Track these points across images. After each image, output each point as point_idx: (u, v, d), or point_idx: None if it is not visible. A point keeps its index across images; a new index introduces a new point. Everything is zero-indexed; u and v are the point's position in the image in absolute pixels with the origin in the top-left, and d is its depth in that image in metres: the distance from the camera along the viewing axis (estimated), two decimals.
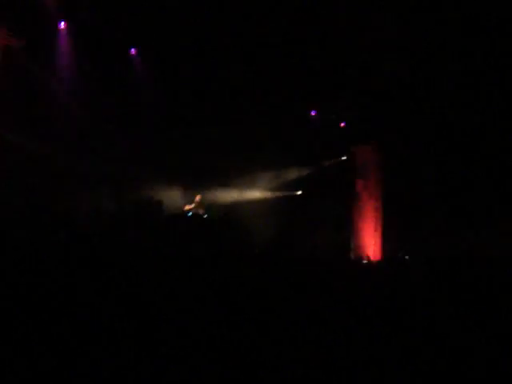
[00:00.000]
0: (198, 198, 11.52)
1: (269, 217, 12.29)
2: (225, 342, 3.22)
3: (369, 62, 10.50)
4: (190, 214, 10.97)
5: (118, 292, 3.90)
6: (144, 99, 11.64)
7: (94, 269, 4.42)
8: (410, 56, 10.10)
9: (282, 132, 12.35)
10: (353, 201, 12.68)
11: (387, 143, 12.02)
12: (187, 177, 12.57)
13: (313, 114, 12.76)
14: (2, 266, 4.16)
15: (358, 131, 12.41)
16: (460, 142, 11.04)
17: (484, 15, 9.06)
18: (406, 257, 10.01)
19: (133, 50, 11.25)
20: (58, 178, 10.73)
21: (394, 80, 10.61)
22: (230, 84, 11.46)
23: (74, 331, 3.14)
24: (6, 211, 9.00)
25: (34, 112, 10.28)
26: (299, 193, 13.50)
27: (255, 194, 13.23)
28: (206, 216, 11.11)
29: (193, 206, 11.33)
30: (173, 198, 11.90)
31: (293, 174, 13.37)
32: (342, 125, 12.70)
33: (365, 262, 11.09)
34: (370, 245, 12.20)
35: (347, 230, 12.56)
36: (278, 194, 13.35)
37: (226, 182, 12.91)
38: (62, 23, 10.36)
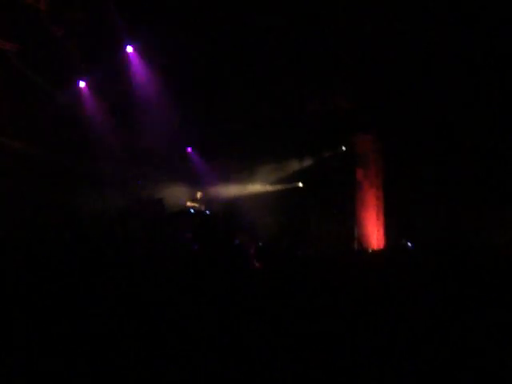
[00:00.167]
0: (199, 194, 11.57)
1: (271, 210, 12.32)
2: (227, 336, 3.23)
3: (368, 50, 10.43)
4: (193, 211, 11.01)
5: (119, 291, 3.92)
6: (144, 95, 11.64)
7: (94, 267, 4.45)
8: (408, 43, 10.02)
9: (281, 124, 12.33)
10: (354, 190, 12.67)
11: (387, 131, 11.99)
12: (189, 174, 12.63)
13: (311, 103, 12.71)
14: (5, 266, 4.19)
15: (357, 120, 12.38)
16: (461, 130, 11.00)
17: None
18: (409, 244, 10.03)
19: (129, 47, 11.20)
20: (59, 178, 10.79)
21: (393, 67, 10.55)
22: (228, 76, 11.41)
23: (73, 331, 3.16)
24: (7, 211, 9.10)
25: (29, 113, 10.35)
26: (300, 185, 13.50)
27: (256, 187, 13.25)
28: (208, 212, 11.15)
29: (195, 202, 11.38)
30: (176, 195, 11.96)
31: (293, 166, 13.37)
32: (341, 114, 12.66)
33: (369, 251, 11.11)
34: (373, 233, 12.21)
35: (350, 220, 12.56)
36: (279, 186, 13.35)
37: (226, 177, 12.93)
38: None
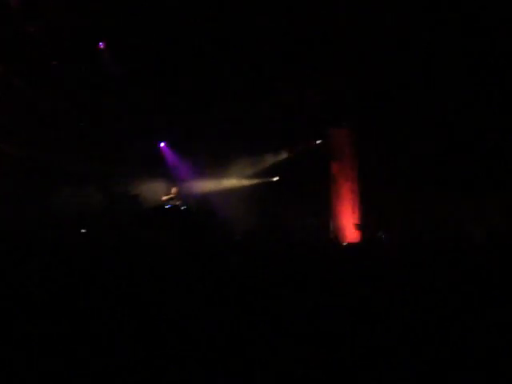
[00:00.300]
0: (174, 190, 11.48)
1: (246, 204, 12.29)
2: (216, 335, 3.21)
3: (341, 41, 10.44)
4: (169, 206, 10.94)
5: (102, 289, 3.87)
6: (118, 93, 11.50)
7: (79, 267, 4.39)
8: (383, 33, 10.04)
9: (255, 118, 12.28)
10: (329, 184, 12.73)
11: (361, 125, 12.06)
12: (166, 169, 12.57)
13: (288, 96, 12.67)
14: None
15: (332, 113, 12.41)
16: (436, 122, 11.11)
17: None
18: (383, 236, 10.12)
19: (101, 44, 11.02)
20: (35, 177, 10.69)
21: (369, 60, 10.59)
22: (204, 71, 11.30)
23: (73, 331, 3.12)
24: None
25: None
26: (276, 178, 13.50)
27: (232, 182, 13.21)
28: (183, 207, 11.09)
29: (170, 196, 11.30)
30: (152, 191, 11.90)
31: (269, 160, 13.37)
32: (316, 107, 12.67)
33: (344, 244, 11.16)
34: (349, 227, 12.28)
35: (325, 213, 12.61)
36: (254, 181, 13.34)
37: (201, 172, 12.86)
38: None
